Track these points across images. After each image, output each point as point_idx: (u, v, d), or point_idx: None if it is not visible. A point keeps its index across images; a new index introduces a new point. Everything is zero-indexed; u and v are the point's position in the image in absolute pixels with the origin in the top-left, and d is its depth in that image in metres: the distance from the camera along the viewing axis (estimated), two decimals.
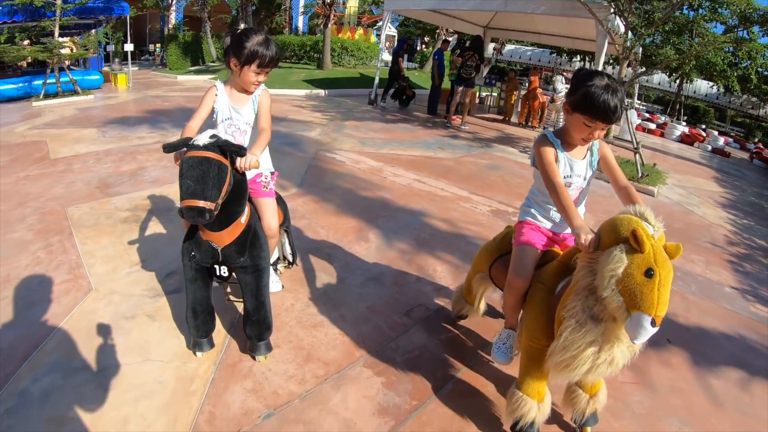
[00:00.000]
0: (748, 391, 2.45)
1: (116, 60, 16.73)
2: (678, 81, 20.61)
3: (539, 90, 10.42)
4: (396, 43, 11.29)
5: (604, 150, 1.92)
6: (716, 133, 15.84)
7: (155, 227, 3.53)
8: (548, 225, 1.98)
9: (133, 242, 3.23)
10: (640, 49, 7.40)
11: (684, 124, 17.51)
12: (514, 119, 11.43)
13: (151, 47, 12.23)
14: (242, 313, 2.18)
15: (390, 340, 2.44)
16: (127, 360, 2.11)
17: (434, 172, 5.73)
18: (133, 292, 2.63)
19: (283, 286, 2.74)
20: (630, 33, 6.54)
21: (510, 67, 17.66)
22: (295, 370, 2.15)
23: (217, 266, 1.98)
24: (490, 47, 25.87)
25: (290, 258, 2.89)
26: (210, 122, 2.11)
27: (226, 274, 2.01)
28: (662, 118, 17.88)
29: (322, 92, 12.60)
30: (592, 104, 1.67)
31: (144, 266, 2.92)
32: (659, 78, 25.68)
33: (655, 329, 1.33)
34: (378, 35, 20.82)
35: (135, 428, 1.77)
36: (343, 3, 22.73)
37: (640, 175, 6.28)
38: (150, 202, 3.98)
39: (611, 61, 16.46)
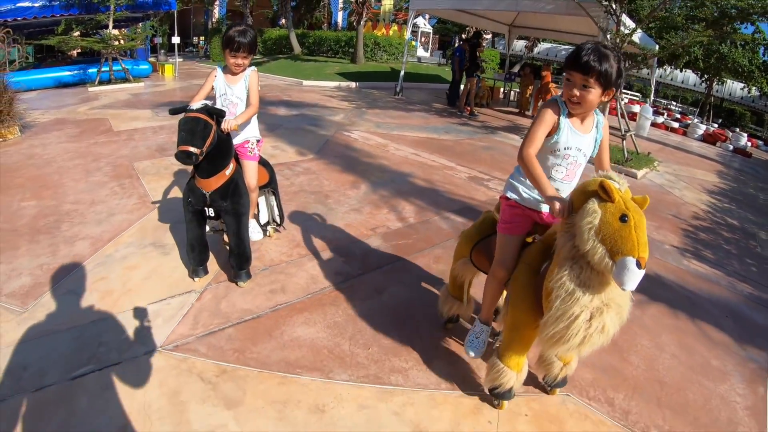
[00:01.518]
0: (644, 311, 3.13)
1: (162, 51, 18.07)
2: (708, 82, 20.34)
3: (552, 84, 10.95)
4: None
5: (605, 131, 1.91)
6: (740, 132, 15.74)
7: None
8: (526, 196, 1.94)
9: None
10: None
11: (716, 125, 17.42)
12: (529, 112, 11.99)
13: (195, 39, 13.25)
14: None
15: (355, 242, 3.46)
16: (170, 242, 3.11)
17: (431, 149, 6.57)
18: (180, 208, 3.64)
19: (266, 236, 3.31)
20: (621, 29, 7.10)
21: (537, 63, 18.03)
22: (286, 250, 3.21)
23: (206, 208, 2.55)
24: (521, 44, 26.20)
25: (278, 220, 3.35)
26: (211, 97, 2.69)
27: (213, 215, 2.59)
28: (694, 120, 17.81)
29: (353, 84, 13.52)
30: (569, 57, 1.74)
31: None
32: (694, 79, 25.24)
33: (642, 271, 1.36)
34: (413, 32, 21.48)
35: (170, 271, 2.78)
36: (378, 0, 23.54)
37: (625, 158, 6.87)
38: None
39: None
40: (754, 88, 19.61)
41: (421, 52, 26.18)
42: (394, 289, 2.90)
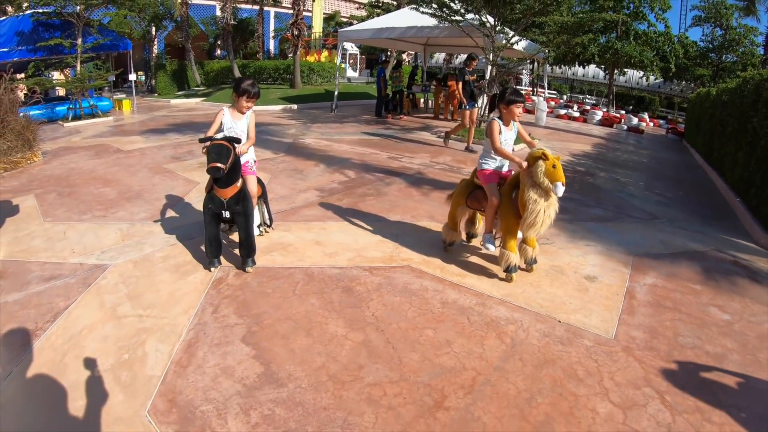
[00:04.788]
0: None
1: (105, 89, 19.21)
2: (608, 75, 24.34)
3: (458, 91, 13.81)
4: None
5: (519, 126, 3.62)
6: (644, 114, 20.33)
7: None
8: (493, 167, 3.55)
9: None
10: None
11: (622, 111, 21.64)
12: (442, 116, 14.83)
13: (132, 76, 14.56)
14: (238, 243, 3.59)
15: (323, 186, 5.72)
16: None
17: (363, 145, 9.09)
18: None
19: (259, 234, 4.13)
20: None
21: (440, 74, 21.04)
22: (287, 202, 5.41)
23: (223, 211, 3.33)
24: (440, 57, 29.65)
25: (267, 222, 4.22)
26: (220, 130, 3.54)
27: (228, 216, 3.37)
28: (603, 109, 21.67)
29: (294, 106, 15.84)
30: (504, 99, 3.48)
31: None
32: (593, 72, 29.47)
33: (564, 188, 2.97)
34: (342, 54, 24.02)
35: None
36: (309, 28, 25.94)
37: None
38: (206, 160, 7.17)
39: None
40: (651, 75, 23.79)
41: (350, 72, 28.92)
42: (349, 200, 5.29)
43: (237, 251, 3.63)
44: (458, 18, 9.91)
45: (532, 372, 2.48)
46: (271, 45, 31.21)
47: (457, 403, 2.21)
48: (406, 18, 12.43)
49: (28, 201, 5.18)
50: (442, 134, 10.23)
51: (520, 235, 3.46)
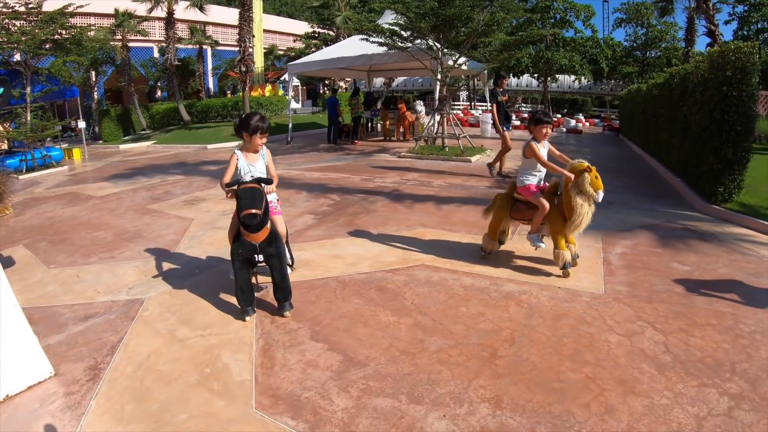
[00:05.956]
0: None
1: (48, 139, 18.59)
2: (542, 82, 26.27)
3: (408, 113, 14.70)
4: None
5: (549, 144, 3.99)
6: (580, 116, 22.08)
7: (201, 204, 6.90)
8: (535, 182, 3.91)
9: (200, 206, 6.61)
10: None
11: (559, 115, 23.23)
12: (394, 138, 15.61)
13: (81, 123, 14.21)
14: (272, 287, 3.39)
15: (316, 209, 6.10)
16: (223, 225, 5.58)
17: (332, 171, 9.59)
18: (207, 220, 6.03)
19: (290, 270, 3.93)
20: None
21: (400, 96, 22.12)
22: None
23: (256, 255, 3.11)
24: (379, 82, 30.80)
25: (290, 262, 3.96)
26: (236, 175, 3.31)
27: (262, 260, 3.14)
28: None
29: None
30: (534, 119, 3.90)
31: (208, 211, 6.33)
32: (527, 81, 31.57)
33: (603, 194, 3.50)
34: (284, 88, 24.47)
35: None
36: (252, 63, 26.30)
37: (462, 151, 10.50)
38: (188, 198, 7.38)
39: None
40: (583, 78, 25.83)
41: (294, 104, 29.39)
42: (344, 219, 5.72)
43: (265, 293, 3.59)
44: (407, 44, 10.75)
45: (552, 323, 3.10)
46: (211, 83, 31.27)
47: (507, 352, 2.77)
48: (353, 47, 13.21)
49: (19, 251, 5.21)
50: (401, 154, 10.95)
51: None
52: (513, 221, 4.24)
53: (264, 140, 3.36)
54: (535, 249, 4.18)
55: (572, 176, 3.62)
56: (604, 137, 17.31)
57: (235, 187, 3.01)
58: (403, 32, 10.70)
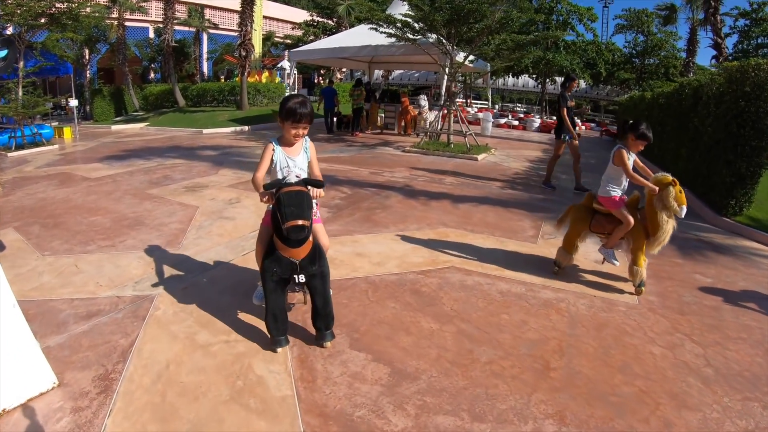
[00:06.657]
0: (485, 211, 6.14)
1: (37, 116, 18.03)
2: (541, 84, 26.21)
3: (410, 107, 14.49)
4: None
5: (635, 157, 3.67)
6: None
7: (204, 191, 6.61)
8: (620, 193, 3.65)
9: (203, 192, 6.33)
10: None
11: (554, 117, 22.89)
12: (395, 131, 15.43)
13: (74, 101, 13.61)
14: (311, 310, 2.76)
15: (329, 202, 5.86)
16: (229, 215, 5.32)
17: (338, 162, 9.31)
18: (213, 208, 5.76)
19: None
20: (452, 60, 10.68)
21: (397, 90, 21.89)
22: None
23: (296, 276, 2.50)
24: (378, 73, 30.52)
25: None
26: (270, 170, 2.73)
27: (304, 281, 2.52)
28: (534, 117, 23.18)
29: (246, 128, 15.67)
30: (638, 131, 3.52)
31: (213, 198, 6.06)
32: (533, 83, 31.44)
33: (686, 208, 3.31)
34: (280, 75, 24.07)
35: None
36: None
37: (468, 149, 10.32)
38: (189, 185, 7.06)
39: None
40: (582, 81, 25.79)
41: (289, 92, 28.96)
42: (360, 215, 5.51)
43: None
44: (418, 37, 10.52)
45: (595, 334, 3.03)
46: (206, 67, 30.67)
47: (559, 364, 2.66)
48: (357, 37, 12.95)
49: (9, 235, 4.83)
50: (405, 148, 10.76)
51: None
52: (591, 234, 3.95)
53: (303, 131, 2.69)
54: (602, 263, 4.06)
55: (657, 189, 3.44)
56: (602, 142, 17.28)
57: (274, 190, 2.38)
58: (415, 24, 10.46)
